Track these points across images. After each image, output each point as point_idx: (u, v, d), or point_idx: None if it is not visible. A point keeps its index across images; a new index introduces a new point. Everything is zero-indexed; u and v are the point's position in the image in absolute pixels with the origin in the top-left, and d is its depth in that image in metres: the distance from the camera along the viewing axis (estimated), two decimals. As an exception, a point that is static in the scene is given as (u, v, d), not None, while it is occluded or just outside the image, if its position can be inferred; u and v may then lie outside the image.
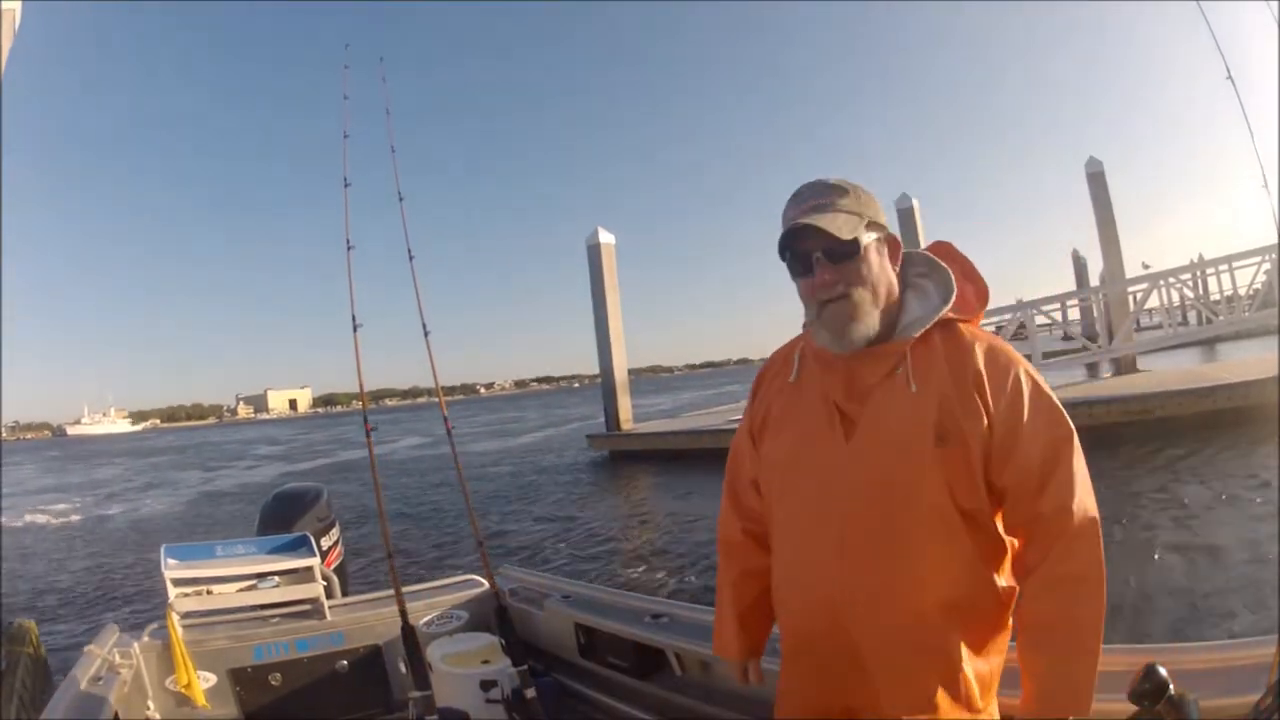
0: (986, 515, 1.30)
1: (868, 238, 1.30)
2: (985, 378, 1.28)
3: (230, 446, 54.06)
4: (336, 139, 3.56)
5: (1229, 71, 10.21)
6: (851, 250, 1.28)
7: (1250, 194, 10.22)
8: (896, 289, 1.36)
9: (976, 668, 1.29)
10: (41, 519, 19.68)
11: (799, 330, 1.47)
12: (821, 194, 1.32)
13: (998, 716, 1.33)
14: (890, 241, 1.36)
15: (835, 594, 1.30)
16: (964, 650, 1.28)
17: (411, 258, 3.59)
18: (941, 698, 1.26)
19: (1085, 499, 1.26)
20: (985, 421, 1.26)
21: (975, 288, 1.40)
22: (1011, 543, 1.33)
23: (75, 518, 19.81)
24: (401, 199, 3.82)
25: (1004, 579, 1.32)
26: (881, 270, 1.32)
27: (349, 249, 3.41)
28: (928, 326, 1.32)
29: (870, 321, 1.30)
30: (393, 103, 4.11)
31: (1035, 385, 1.29)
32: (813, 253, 1.29)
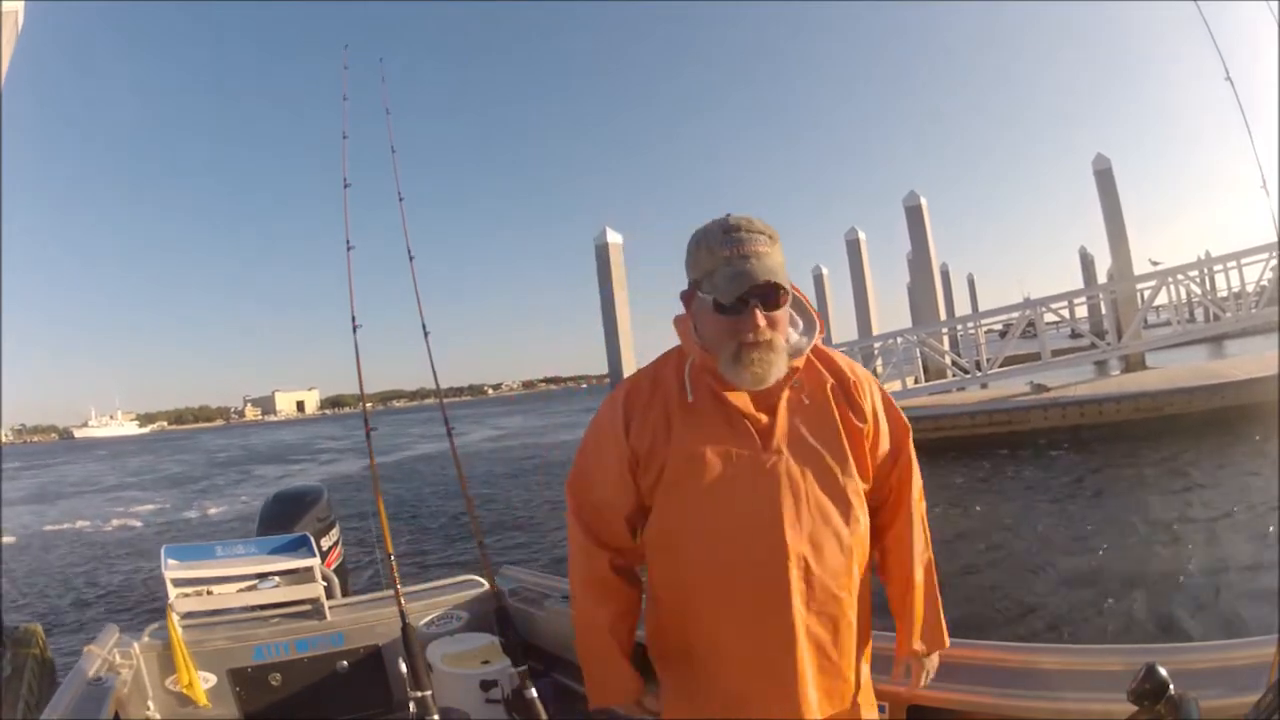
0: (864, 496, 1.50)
1: (787, 289, 1.42)
2: (861, 385, 1.52)
3: (295, 443, 54.44)
4: (340, 138, 3.56)
5: (1228, 72, 10.22)
6: (783, 301, 1.40)
7: (1253, 192, 10.24)
8: None
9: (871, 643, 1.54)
10: (135, 522, 18.72)
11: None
12: (760, 239, 1.40)
13: None
14: (792, 290, 1.47)
15: (788, 589, 1.37)
16: (867, 618, 1.49)
17: (411, 258, 3.58)
18: (864, 678, 1.49)
19: (918, 477, 1.58)
20: (869, 420, 1.49)
21: (817, 317, 1.57)
22: None
23: (179, 515, 19.24)
24: (401, 199, 3.81)
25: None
26: (789, 317, 1.46)
27: (349, 249, 3.41)
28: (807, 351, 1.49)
29: (784, 364, 1.42)
30: (393, 102, 4.12)
31: (884, 391, 1.58)
32: (750, 298, 1.37)
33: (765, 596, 1.37)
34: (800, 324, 1.52)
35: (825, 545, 1.39)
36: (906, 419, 1.59)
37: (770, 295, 1.38)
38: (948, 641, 1.59)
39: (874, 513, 1.55)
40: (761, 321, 1.36)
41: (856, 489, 1.44)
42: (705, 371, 1.45)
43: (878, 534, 1.57)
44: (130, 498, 24.93)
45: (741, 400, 1.42)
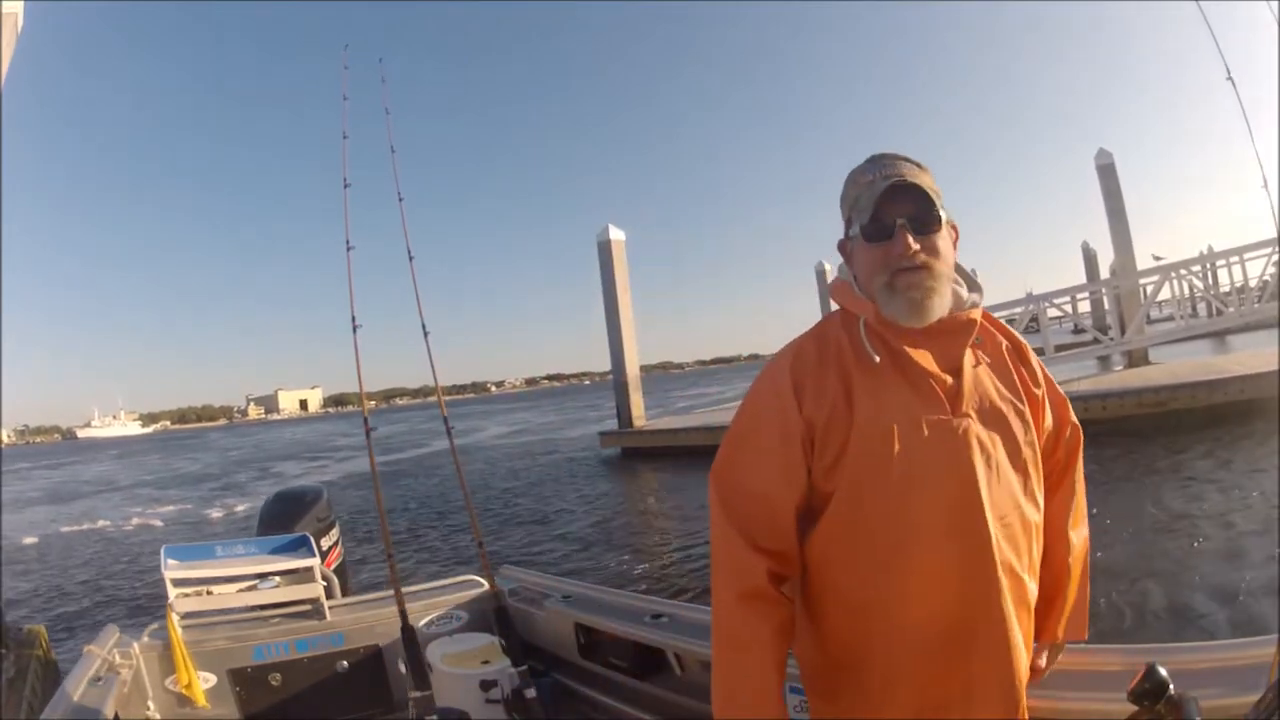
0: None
1: (944, 215, 1.29)
2: (1029, 353, 1.40)
3: (311, 440, 54.25)
4: (340, 138, 3.57)
5: (1229, 72, 10.24)
6: (935, 223, 1.26)
7: (1254, 190, 10.27)
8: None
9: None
10: (156, 521, 18.03)
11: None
12: (906, 164, 1.30)
13: None
14: (953, 228, 1.34)
15: (994, 572, 1.21)
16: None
17: (411, 258, 3.59)
18: (1026, 664, 1.29)
19: (1081, 453, 1.49)
20: (1042, 385, 1.37)
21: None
22: None
23: (203, 513, 18.60)
24: (401, 199, 3.82)
25: None
26: (951, 251, 1.31)
27: (349, 250, 3.42)
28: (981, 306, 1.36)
29: (945, 297, 1.26)
30: (393, 102, 4.12)
31: None
32: (896, 219, 1.25)
33: (969, 582, 1.21)
34: (963, 285, 1.36)
35: (1012, 522, 1.24)
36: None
37: (921, 214, 1.25)
38: (1087, 633, 1.48)
39: None
40: (914, 244, 1.23)
41: (1036, 461, 1.30)
42: (882, 326, 1.28)
43: None
44: (149, 496, 24.53)
45: (925, 359, 1.26)
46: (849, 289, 1.34)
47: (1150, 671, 0.97)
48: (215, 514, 18.46)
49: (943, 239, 1.27)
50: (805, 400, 1.27)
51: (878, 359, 1.26)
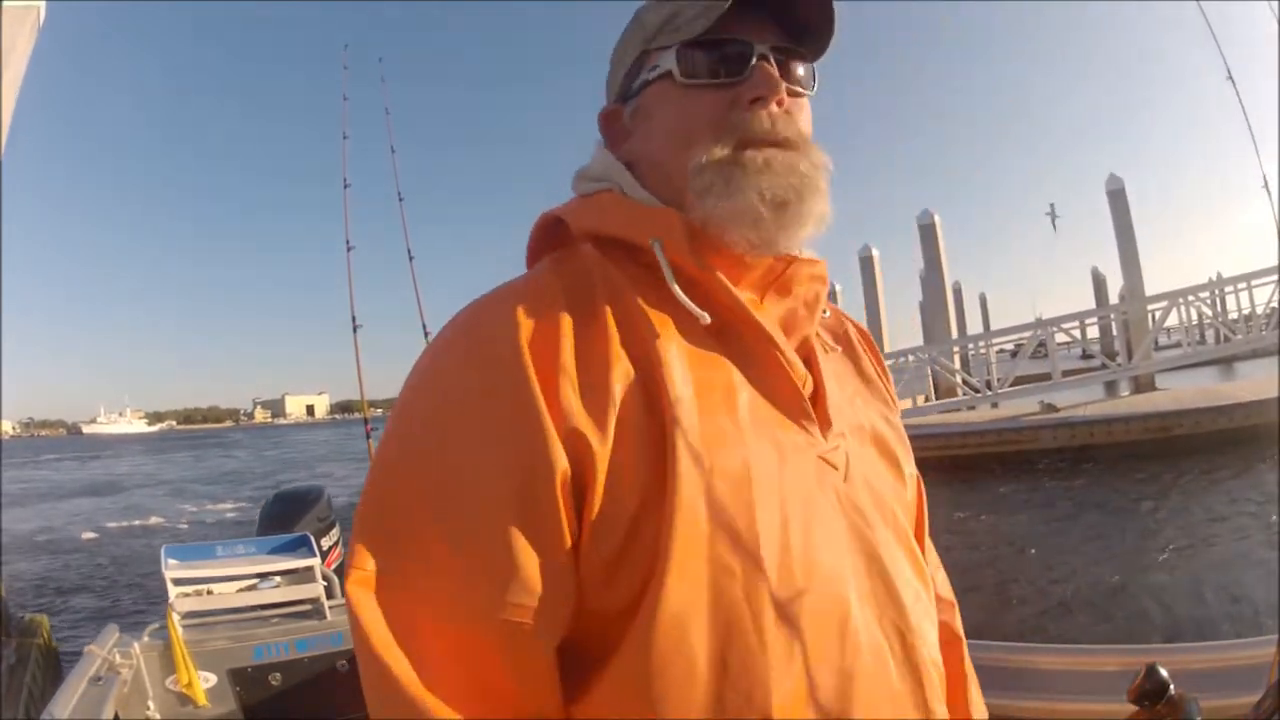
0: None
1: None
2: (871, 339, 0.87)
3: (344, 443, 53.91)
4: (353, 139, 3.61)
5: (1229, 72, 10.33)
6: (810, 79, 0.72)
7: (1263, 213, 10.36)
8: None
9: None
10: (209, 519, 17.77)
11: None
12: None
13: None
14: None
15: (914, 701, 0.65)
16: None
17: (411, 258, 3.61)
18: None
19: None
20: (890, 387, 0.84)
21: None
22: None
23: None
24: (401, 199, 3.85)
25: None
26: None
27: (349, 249, 3.45)
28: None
29: (819, 205, 0.67)
30: (395, 102, 4.16)
31: None
32: (755, 47, 0.67)
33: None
34: None
35: (924, 601, 0.70)
36: None
37: (793, 48, 0.70)
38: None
39: None
40: (781, 88, 0.66)
41: (912, 501, 0.79)
42: (688, 256, 0.65)
43: None
44: (199, 493, 24.19)
45: (772, 324, 0.67)
46: (614, 193, 0.73)
47: (1151, 672, 0.97)
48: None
49: (807, 112, 0.72)
50: (562, 403, 0.58)
51: (708, 318, 0.64)
